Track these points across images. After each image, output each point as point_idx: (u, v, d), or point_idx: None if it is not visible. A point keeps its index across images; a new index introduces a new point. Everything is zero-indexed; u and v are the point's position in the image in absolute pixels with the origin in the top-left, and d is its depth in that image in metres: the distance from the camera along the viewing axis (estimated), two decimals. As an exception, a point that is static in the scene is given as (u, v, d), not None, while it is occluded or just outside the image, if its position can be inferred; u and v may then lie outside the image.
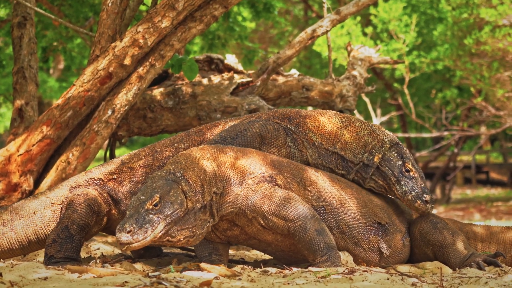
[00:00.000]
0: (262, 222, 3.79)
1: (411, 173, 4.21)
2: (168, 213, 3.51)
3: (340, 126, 4.28)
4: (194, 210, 3.61)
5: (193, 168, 3.69)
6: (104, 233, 4.86)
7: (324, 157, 4.26)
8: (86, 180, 4.30)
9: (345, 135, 4.26)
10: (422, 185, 4.20)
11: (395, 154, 4.24)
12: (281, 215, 3.75)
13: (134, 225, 3.43)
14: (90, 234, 4.24)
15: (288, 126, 4.27)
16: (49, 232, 4.19)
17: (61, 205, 4.25)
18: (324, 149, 4.26)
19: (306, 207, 3.79)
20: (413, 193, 4.16)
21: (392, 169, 4.21)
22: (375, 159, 4.22)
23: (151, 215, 3.48)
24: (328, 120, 4.30)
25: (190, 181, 3.64)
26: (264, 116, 4.33)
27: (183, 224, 3.58)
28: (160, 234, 3.49)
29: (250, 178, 3.81)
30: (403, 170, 4.21)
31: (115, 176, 4.28)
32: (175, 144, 4.33)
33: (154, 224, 3.47)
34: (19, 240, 4.21)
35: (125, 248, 3.42)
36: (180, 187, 3.60)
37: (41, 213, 4.24)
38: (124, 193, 4.24)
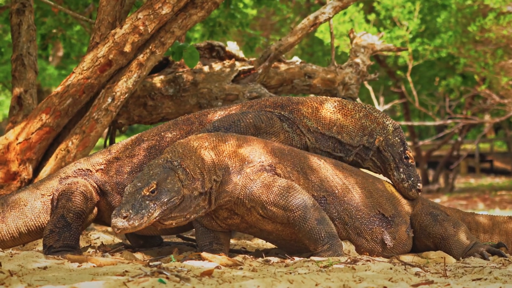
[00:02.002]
0: (261, 211, 3.75)
1: (410, 161, 4.29)
2: (165, 200, 3.50)
3: (333, 110, 4.30)
4: (191, 198, 3.59)
5: (191, 157, 3.66)
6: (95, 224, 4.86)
7: (321, 141, 4.27)
8: (74, 171, 4.31)
9: (339, 119, 4.28)
10: (416, 174, 4.29)
11: (398, 140, 4.29)
12: (280, 205, 3.72)
13: (131, 211, 3.42)
14: (86, 222, 4.23)
15: (282, 113, 4.28)
16: (39, 224, 4.23)
17: (50, 196, 4.26)
18: (320, 133, 4.27)
19: (305, 196, 3.75)
20: (409, 181, 4.25)
21: (394, 155, 4.26)
22: (376, 142, 4.26)
23: (147, 202, 3.47)
24: (320, 106, 4.31)
25: (187, 170, 3.61)
26: (256, 105, 4.32)
27: (179, 212, 3.58)
28: (155, 220, 3.49)
29: (249, 167, 3.78)
30: (403, 157, 4.28)
31: (102, 167, 4.28)
32: (162, 133, 4.31)
33: (150, 210, 3.46)
34: (10, 232, 4.22)
35: (119, 231, 3.41)
36: (177, 175, 3.58)
37: (31, 204, 4.25)
38: (111, 184, 4.25)
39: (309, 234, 3.72)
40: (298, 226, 3.73)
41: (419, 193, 4.28)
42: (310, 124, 4.26)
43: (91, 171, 4.29)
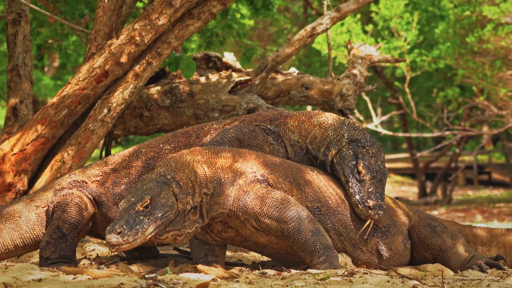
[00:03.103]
0: (254, 224, 3.72)
1: (361, 175, 4.05)
2: (159, 215, 3.46)
3: (316, 124, 4.24)
4: (185, 212, 3.57)
5: (183, 170, 3.64)
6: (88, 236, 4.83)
7: (300, 155, 4.23)
8: (69, 183, 4.28)
9: (316, 131, 4.21)
10: (369, 190, 4.01)
11: (351, 153, 4.10)
12: (273, 216, 3.68)
13: (125, 227, 3.37)
14: (82, 233, 4.20)
15: (269, 127, 4.24)
16: (34, 236, 4.21)
17: (45, 208, 4.23)
18: (299, 147, 4.23)
19: (299, 208, 3.72)
20: (356, 196, 4.00)
21: (344, 168, 4.08)
22: (329, 155, 4.13)
23: (141, 217, 3.43)
24: (307, 119, 4.26)
25: (181, 183, 3.59)
26: (247, 119, 4.32)
27: (172, 226, 3.55)
28: (150, 236, 3.45)
29: (242, 178, 3.75)
30: (355, 171, 4.07)
31: (98, 178, 4.25)
32: (161, 145, 4.29)
33: (145, 226, 3.42)
34: (5, 244, 4.19)
35: (114, 249, 3.36)
36: (171, 189, 3.55)
37: (26, 216, 4.22)
38: (107, 195, 4.21)
39: (304, 246, 3.69)
40: (293, 238, 3.69)
41: (371, 211, 3.95)
42: (293, 137, 4.23)
43: (86, 183, 4.26)
